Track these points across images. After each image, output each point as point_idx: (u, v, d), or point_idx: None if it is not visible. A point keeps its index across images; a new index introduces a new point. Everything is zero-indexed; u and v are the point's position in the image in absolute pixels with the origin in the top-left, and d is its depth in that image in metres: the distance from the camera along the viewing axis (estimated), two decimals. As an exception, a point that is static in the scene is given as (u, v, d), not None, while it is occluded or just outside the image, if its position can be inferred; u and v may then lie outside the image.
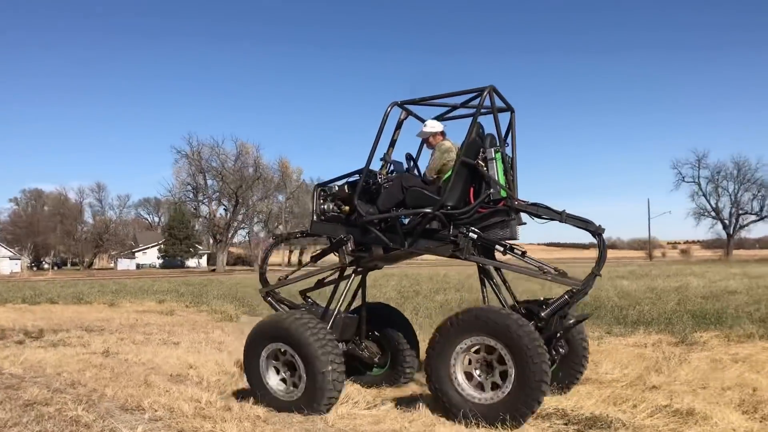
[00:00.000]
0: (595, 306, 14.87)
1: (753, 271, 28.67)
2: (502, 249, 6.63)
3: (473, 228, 6.50)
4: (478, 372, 5.95)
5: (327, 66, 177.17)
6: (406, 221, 6.71)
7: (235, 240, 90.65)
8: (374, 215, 6.78)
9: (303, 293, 7.74)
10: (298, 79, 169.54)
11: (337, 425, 5.85)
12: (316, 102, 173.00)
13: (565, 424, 5.87)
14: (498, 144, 6.70)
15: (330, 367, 6.14)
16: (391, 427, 5.74)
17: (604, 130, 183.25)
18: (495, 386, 5.81)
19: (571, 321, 6.40)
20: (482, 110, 6.72)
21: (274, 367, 6.57)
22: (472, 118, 6.76)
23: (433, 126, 7.13)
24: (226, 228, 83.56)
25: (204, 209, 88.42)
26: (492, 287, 7.15)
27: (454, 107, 7.37)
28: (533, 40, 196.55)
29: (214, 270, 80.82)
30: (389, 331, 7.80)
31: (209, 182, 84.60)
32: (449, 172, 6.63)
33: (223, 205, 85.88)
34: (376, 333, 7.86)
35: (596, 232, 6.47)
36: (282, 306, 7.57)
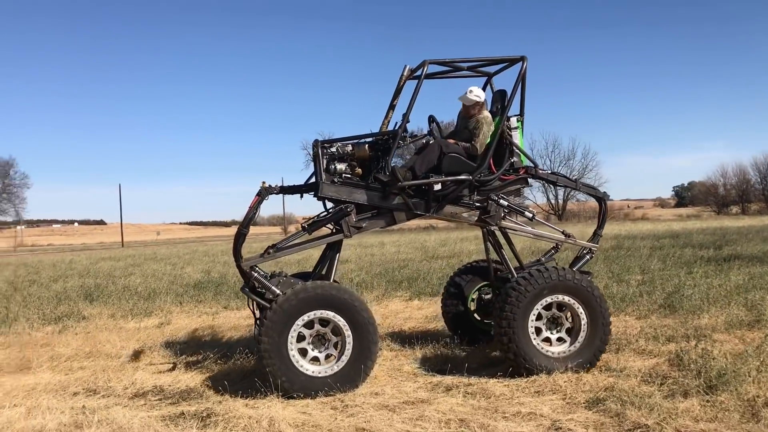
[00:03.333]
0: (219, 283, 15.39)
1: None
2: (530, 215, 7.07)
3: (502, 195, 6.74)
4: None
5: None
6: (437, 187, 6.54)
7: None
8: (411, 180, 6.41)
9: (251, 267, 6.43)
10: None
11: None
12: None
13: (160, 400, 6.01)
14: (519, 113, 6.80)
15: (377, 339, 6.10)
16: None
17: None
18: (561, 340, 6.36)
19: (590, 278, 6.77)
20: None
21: (306, 341, 5.96)
22: (488, 83, 7.23)
23: (479, 95, 6.94)
24: None
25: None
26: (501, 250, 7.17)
27: (485, 75, 7.31)
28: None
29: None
30: None
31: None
32: (487, 140, 6.67)
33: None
34: None
35: (603, 198, 7.39)
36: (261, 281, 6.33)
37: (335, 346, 5.99)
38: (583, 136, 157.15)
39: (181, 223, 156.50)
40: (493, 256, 7.38)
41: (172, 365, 7.27)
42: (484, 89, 7.26)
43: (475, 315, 7.88)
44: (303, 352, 5.92)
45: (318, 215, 6.82)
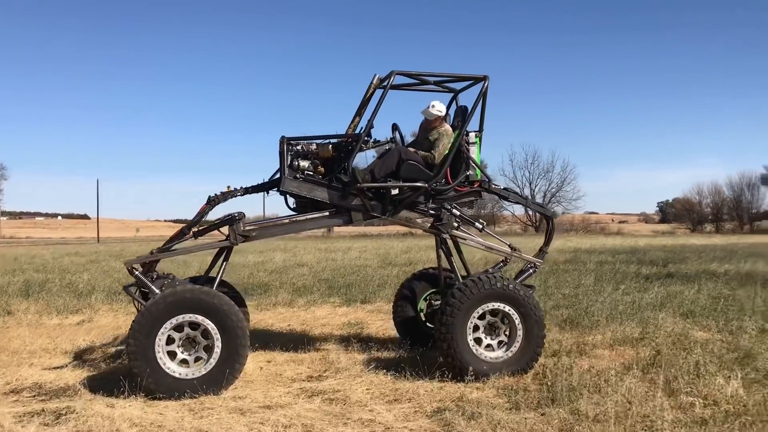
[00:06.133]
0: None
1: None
2: (480, 226, 7.33)
3: (455, 205, 7.06)
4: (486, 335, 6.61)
5: None
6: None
7: None
8: (370, 182, 6.75)
9: (133, 266, 6.66)
10: None
11: None
12: None
13: (32, 397, 6.15)
14: (478, 129, 7.15)
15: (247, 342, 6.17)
16: None
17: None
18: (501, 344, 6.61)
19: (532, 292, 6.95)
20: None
21: (176, 343, 6.08)
22: (453, 99, 7.62)
23: (440, 109, 7.28)
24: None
25: None
26: (451, 259, 7.36)
27: (451, 91, 7.68)
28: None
29: None
30: None
31: None
32: (446, 152, 6.98)
33: None
34: None
35: (551, 217, 7.78)
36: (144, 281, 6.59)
37: (205, 349, 6.16)
38: (568, 150, 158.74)
39: (165, 220, 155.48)
40: (445, 264, 7.64)
41: (63, 364, 7.41)
42: (449, 106, 7.59)
43: (424, 320, 8.15)
44: (172, 355, 6.07)
45: (214, 222, 7.01)
